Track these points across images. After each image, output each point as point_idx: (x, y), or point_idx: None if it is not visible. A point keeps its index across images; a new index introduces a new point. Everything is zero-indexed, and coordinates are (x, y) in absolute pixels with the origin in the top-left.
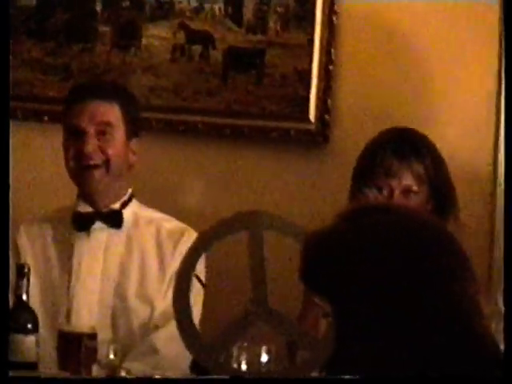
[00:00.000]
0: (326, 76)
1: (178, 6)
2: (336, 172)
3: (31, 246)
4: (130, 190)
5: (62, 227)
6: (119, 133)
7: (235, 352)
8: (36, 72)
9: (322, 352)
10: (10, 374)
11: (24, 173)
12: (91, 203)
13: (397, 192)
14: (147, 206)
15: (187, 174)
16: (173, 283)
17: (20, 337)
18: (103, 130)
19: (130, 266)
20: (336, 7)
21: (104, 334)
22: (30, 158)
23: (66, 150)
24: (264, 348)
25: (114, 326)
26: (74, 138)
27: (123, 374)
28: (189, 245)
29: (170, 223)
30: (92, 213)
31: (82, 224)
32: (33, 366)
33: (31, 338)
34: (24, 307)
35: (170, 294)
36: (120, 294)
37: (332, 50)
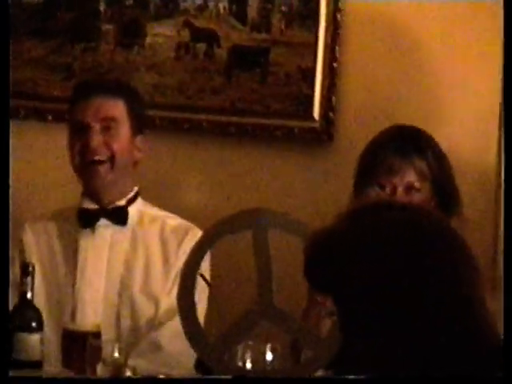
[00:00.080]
0: (331, 74)
1: (182, 4)
2: (340, 170)
3: (36, 243)
4: (135, 188)
5: (67, 224)
6: (124, 129)
7: (240, 350)
8: (39, 71)
9: (326, 351)
10: (11, 373)
11: (27, 171)
12: (96, 200)
13: (399, 189)
14: (152, 204)
15: (191, 172)
16: (177, 281)
17: (24, 335)
18: (108, 126)
19: (134, 263)
20: (340, 5)
21: (109, 333)
22: (33, 157)
23: (71, 146)
24: (269, 346)
25: (119, 324)
26: (79, 134)
27: (128, 372)
28: (193, 243)
29: (175, 221)
30: (97, 209)
31: (87, 220)
32: (37, 364)
33: (36, 337)
34: (28, 305)
35: (174, 292)
36: (125, 291)
37: (336, 48)
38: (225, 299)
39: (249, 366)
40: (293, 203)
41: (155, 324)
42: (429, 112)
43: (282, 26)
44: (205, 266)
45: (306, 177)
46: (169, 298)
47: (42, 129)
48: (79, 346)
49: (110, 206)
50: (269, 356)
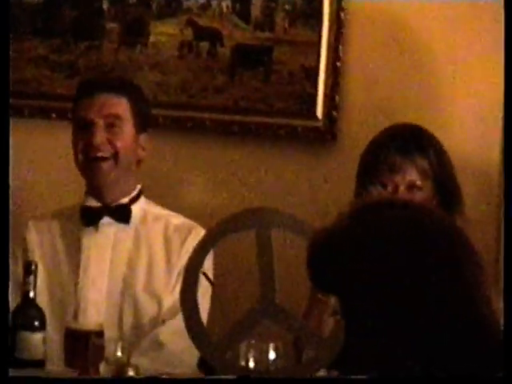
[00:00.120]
0: (334, 73)
1: (185, 3)
2: (344, 169)
3: (40, 241)
4: (138, 186)
5: (70, 223)
6: (128, 126)
7: (243, 349)
8: (42, 69)
9: (328, 350)
10: (11, 373)
11: (31, 170)
12: (99, 198)
13: (401, 188)
14: (155, 203)
15: (194, 171)
16: (180, 279)
17: (27, 334)
18: (112, 123)
19: (137, 262)
20: (343, 4)
21: (111, 331)
22: (37, 155)
23: (75, 143)
24: (272, 345)
25: (122, 322)
26: (83, 131)
27: (131, 371)
28: (196, 241)
29: (178, 220)
30: (100, 207)
31: (90, 218)
32: (40, 363)
33: (38, 336)
34: (31, 304)
35: (177, 290)
36: (128, 290)
37: (339, 47)
38: (228, 298)
39: (251, 364)
40: (296, 202)
41: (158, 323)
42: (431, 111)
43: (286, 25)
44: (208, 265)
45: (309, 176)
46: (171, 297)
47: (46, 127)
48: (82, 345)
49: (113, 204)
50: (271, 355)
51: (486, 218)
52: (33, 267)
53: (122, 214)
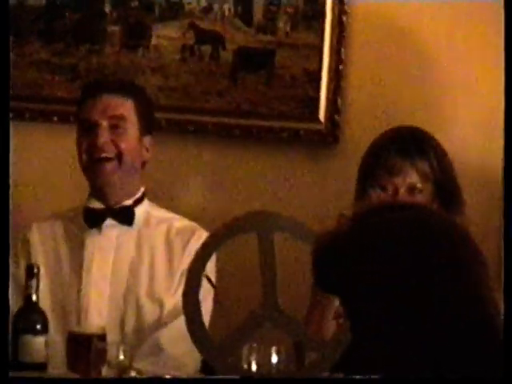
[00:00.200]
0: (336, 76)
1: (187, 6)
2: (346, 172)
3: (43, 243)
4: (142, 189)
5: (74, 225)
6: (132, 127)
7: (245, 353)
8: (44, 73)
9: (330, 354)
10: (10, 374)
11: (33, 173)
12: (103, 199)
13: (402, 190)
14: (159, 206)
15: (196, 174)
16: (182, 282)
17: (29, 337)
18: (116, 124)
19: (140, 264)
20: (346, 7)
21: (114, 335)
22: (38, 159)
23: (79, 144)
24: (274, 349)
25: (124, 326)
26: (87, 132)
27: (133, 374)
28: (198, 244)
29: (181, 222)
30: (103, 209)
31: (94, 220)
32: (42, 366)
33: (40, 339)
34: (33, 308)
35: (179, 293)
36: (130, 293)
37: (342, 50)
38: (230, 301)
39: (254, 368)
40: (298, 205)
41: (160, 326)
42: (434, 114)
43: (288, 28)
44: (210, 268)
45: (311, 179)
46: (173, 300)
47: (47, 130)
48: (84, 348)
49: (117, 206)
50: (274, 358)
51: (488, 221)
52: (35, 270)
53: (126, 216)
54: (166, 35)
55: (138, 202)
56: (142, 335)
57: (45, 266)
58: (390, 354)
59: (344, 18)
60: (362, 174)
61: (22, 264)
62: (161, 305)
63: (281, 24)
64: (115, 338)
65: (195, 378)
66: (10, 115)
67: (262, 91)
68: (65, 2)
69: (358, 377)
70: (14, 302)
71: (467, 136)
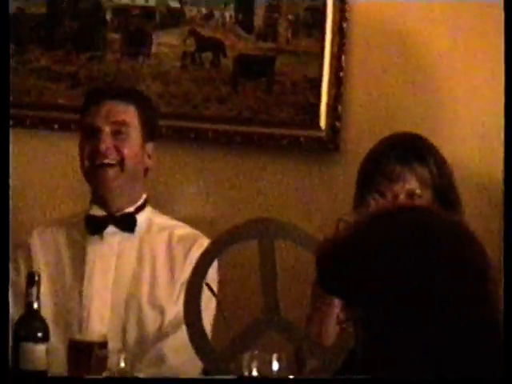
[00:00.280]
0: (337, 83)
1: (188, 14)
2: (347, 179)
3: (44, 250)
4: (144, 195)
5: (75, 231)
6: (135, 134)
7: (246, 360)
8: (45, 80)
9: (331, 360)
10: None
11: (34, 180)
12: (104, 206)
13: (401, 196)
14: (161, 213)
15: (197, 181)
16: (184, 290)
17: (30, 345)
18: (119, 130)
19: (141, 272)
20: (347, 14)
21: (115, 342)
22: (39, 166)
23: (81, 150)
24: (275, 356)
25: (125, 333)
26: (90, 137)
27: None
28: (200, 252)
29: (182, 230)
30: (105, 216)
31: (95, 227)
32: (43, 374)
33: (41, 347)
34: (34, 316)
35: (180, 301)
36: (132, 300)
37: (342, 58)
38: (231, 308)
39: (255, 375)
40: (299, 212)
41: (161, 334)
42: (434, 121)
43: (289, 35)
44: (212, 276)
45: (311, 186)
46: (175, 309)
47: (48, 137)
48: (85, 356)
49: (119, 213)
50: (275, 366)
51: (487, 227)
52: (36, 278)
53: (127, 223)
54: (167, 42)
55: (140, 208)
56: (143, 343)
57: (46, 272)
58: (397, 355)
59: (344, 25)
60: (361, 180)
61: (23, 271)
62: (162, 312)
63: (281, 31)
64: (116, 345)
65: (195, 378)
66: (11, 122)
67: (263, 98)
68: (65, 9)
69: (358, 377)
70: (15, 310)
71: (468, 143)
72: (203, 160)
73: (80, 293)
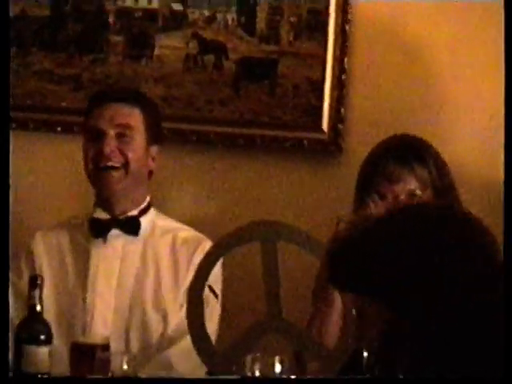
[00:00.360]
0: (339, 85)
1: (190, 16)
2: (349, 181)
3: (47, 253)
4: (148, 198)
5: (79, 234)
6: (139, 137)
7: (249, 362)
8: (47, 83)
9: (333, 362)
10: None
11: (36, 183)
12: (108, 209)
13: (401, 197)
14: (165, 215)
15: (200, 184)
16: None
17: (33, 348)
18: (123, 133)
19: (145, 275)
20: (349, 16)
21: (118, 345)
22: (42, 169)
23: (86, 152)
24: (277, 358)
25: (128, 336)
26: (94, 140)
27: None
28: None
29: (186, 233)
30: (109, 219)
31: (99, 230)
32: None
33: (44, 350)
34: (37, 318)
35: (184, 305)
36: (135, 304)
37: (345, 60)
38: (233, 311)
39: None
40: (301, 214)
41: (165, 338)
42: (437, 122)
43: (291, 38)
44: (216, 277)
45: (314, 188)
46: (179, 313)
47: (50, 140)
48: (88, 358)
49: (122, 216)
50: (277, 368)
51: (489, 223)
52: (38, 281)
53: (131, 226)
54: (170, 45)
55: (144, 211)
56: (146, 345)
57: (49, 275)
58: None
59: (347, 28)
60: (361, 182)
61: (25, 274)
62: (165, 316)
63: (284, 33)
64: (119, 348)
65: (198, 378)
66: (13, 125)
67: (265, 101)
68: (68, 12)
69: (358, 377)
70: (16, 313)
71: (470, 145)
72: (206, 162)
73: (83, 296)
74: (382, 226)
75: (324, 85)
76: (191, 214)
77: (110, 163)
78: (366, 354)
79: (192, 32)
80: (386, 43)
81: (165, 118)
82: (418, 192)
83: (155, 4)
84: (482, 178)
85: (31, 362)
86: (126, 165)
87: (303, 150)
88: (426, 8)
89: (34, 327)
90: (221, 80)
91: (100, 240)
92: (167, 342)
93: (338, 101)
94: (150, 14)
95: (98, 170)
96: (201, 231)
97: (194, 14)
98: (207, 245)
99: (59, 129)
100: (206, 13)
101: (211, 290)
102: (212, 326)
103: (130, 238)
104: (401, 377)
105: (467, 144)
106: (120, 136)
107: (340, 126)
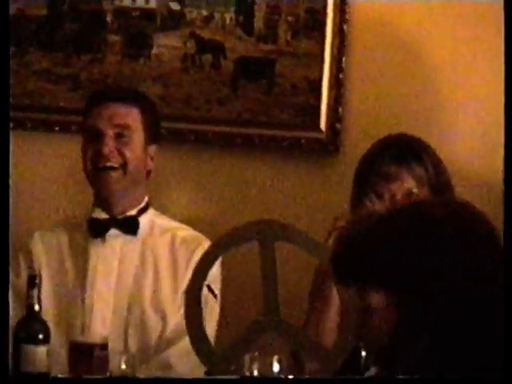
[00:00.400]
0: (337, 85)
1: (188, 16)
2: (347, 181)
3: (46, 252)
4: (146, 198)
5: (78, 234)
6: (138, 137)
7: (247, 362)
8: (45, 82)
9: (331, 362)
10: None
11: (35, 182)
12: (107, 209)
13: (398, 196)
14: (164, 215)
15: (198, 183)
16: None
17: (31, 347)
18: (122, 133)
19: (144, 275)
20: (347, 16)
21: (117, 344)
22: (40, 168)
23: (84, 152)
24: (275, 358)
25: (127, 335)
26: (93, 140)
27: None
28: None
29: (185, 232)
30: (107, 219)
31: (98, 230)
32: (43, 376)
33: (42, 349)
34: (35, 318)
35: (183, 303)
36: (134, 303)
37: (343, 59)
38: (232, 310)
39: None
40: (299, 214)
41: (163, 338)
42: (435, 121)
43: (289, 37)
44: (215, 277)
45: (312, 187)
46: (177, 313)
47: (48, 140)
48: (86, 357)
49: (121, 216)
50: (275, 367)
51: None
52: (37, 280)
53: (130, 226)
54: (167, 44)
55: (143, 211)
56: (145, 345)
57: (48, 275)
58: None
59: (345, 27)
60: (358, 181)
61: (23, 273)
62: (164, 316)
63: (281, 33)
64: (118, 347)
65: (197, 378)
66: (12, 125)
67: (263, 100)
68: (66, 11)
69: (358, 377)
70: (14, 312)
71: (469, 144)
72: (204, 162)
73: (82, 295)
74: (385, 222)
75: (322, 84)
76: (189, 214)
77: (108, 163)
78: (364, 353)
79: (190, 31)
80: (383, 43)
81: (163, 117)
82: (415, 190)
83: (153, 3)
84: (482, 178)
85: (29, 362)
86: (124, 165)
87: (301, 150)
88: (424, 8)
89: (32, 326)
90: (219, 79)
91: (99, 240)
92: (166, 342)
93: (336, 100)
94: (148, 14)
95: (96, 170)
96: (199, 230)
97: (191, 14)
98: (206, 244)
99: (57, 128)
100: (204, 12)
101: (210, 289)
102: (211, 325)
103: (128, 237)
104: (401, 377)
105: (466, 144)
106: (118, 136)
107: (338, 125)
